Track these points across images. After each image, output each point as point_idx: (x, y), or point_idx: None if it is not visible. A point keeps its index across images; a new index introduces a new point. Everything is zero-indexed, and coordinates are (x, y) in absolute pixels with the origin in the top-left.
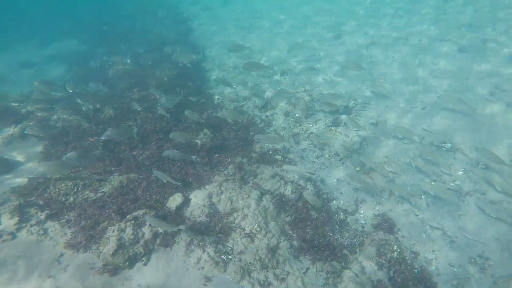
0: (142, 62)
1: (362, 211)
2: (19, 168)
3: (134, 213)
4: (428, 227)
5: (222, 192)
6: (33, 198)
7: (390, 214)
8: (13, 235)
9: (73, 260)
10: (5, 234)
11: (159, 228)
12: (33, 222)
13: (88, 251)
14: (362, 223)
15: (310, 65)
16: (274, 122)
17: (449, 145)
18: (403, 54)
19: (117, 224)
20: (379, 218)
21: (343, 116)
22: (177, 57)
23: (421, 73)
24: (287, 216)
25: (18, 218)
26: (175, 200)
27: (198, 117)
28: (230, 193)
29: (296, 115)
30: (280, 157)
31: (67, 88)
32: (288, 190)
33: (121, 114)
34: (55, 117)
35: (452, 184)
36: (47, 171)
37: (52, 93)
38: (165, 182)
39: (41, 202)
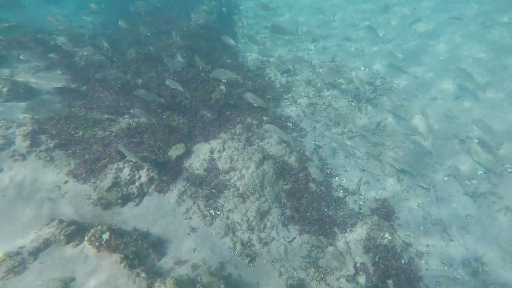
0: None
1: (363, 192)
2: (43, 95)
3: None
4: (429, 221)
5: (224, 150)
6: (47, 127)
7: (391, 201)
8: (23, 157)
9: (72, 189)
10: (16, 154)
11: (128, 156)
12: (42, 148)
13: (87, 183)
14: (360, 205)
15: (347, 34)
16: (293, 89)
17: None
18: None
19: (116, 163)
20: (379, 202)
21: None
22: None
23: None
24: (285, 184)
25: (29, 142)
26: (176, 149)
27: (205, 65)
28: (232, 151)
29: (318, 84)
30: (291, 124)
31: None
32: (292, 159)
33: (144, 59)
34: (80, 53)
35: (467, 182)
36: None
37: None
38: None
39: (53, 132)
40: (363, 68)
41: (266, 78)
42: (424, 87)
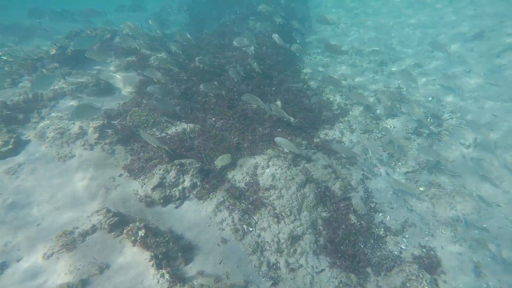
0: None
1: (407, 235)
2: (117, 93)
3: (183, 160)
4: (485, 285)
5: (268, 166)
6: (115, 122)
7: (439, 251)
8: (91, 147)
9: (124, 182)
10: (87, 144)
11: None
12: (107, 141)
13: (137, 179)
14: (401, 248)
15: (419, 60)
16: (351, 112)
17: None
18: None
19: (165, 164)
20: (423, 250)
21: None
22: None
23: None
24: (324, 211)
25: (98, 135)
26: (223, 160)
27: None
28: (275, 169)
29: (378, 111)
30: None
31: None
32: (336, 186)
33: (208, 69)
34: (153, 57)
35: None
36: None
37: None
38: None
39: (119, 127)
40: (430, 99)
41: (325, 98)
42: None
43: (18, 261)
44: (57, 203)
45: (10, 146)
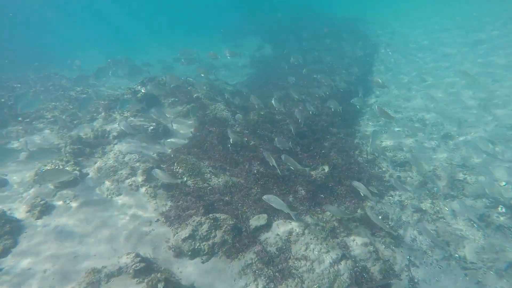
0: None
1: None
2: (172, 138)
3: (217, 214)
4: None
5: (303, 234)
6: (164, 166)
7: None
8: (137, 188)
9: (158, 228)
10: (133, 185)
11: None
12: (152, 185)
13: (171, 227)
14: None
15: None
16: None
17: None
18: None
19: (200, 216)
20: None
21: None
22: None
23: None
24: None
25: (144, 177)
26: (258, 220)
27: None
28: (310, 239)
29: (435, 189)
30: (388, 226)
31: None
32: (375, 268)
33: (263, 122)
34: (212, 106)
35: None
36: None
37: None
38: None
39: (166, 171)
40: (504, 184)
41: (377, 168)
42: None
43: None
44: (96, 237)
45: (71, 178)
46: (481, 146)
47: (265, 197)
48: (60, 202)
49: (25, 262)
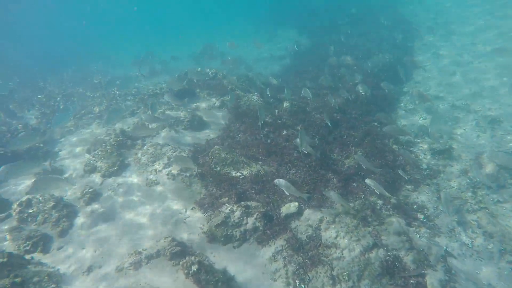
0: None
1: None
2: (206, 129)
3: (249, 202)
4: None
5: (334, 222)
6: (199, 156)
7: None
8: (174, 177)
9: (193, 215)
10: (170, 174)
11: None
12: (188, 174)
13: (205, 214)
14: None
15: None
16: (442, 176)
17: None
18: None
19: (232, 204)
20: None
21: None
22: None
23: None
24: (390, 284)
25: (180, 167)
26: (289, 208)
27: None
28: (341, 226)
29: (478, 179)
30: (423, 216)
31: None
32: (409, 258)
33: (295, 112)
34: (245, 98)
35: None
36: None
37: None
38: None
39: (200, 161)
40: None
41: (412, 155)
42: None
43: (100, 267)
44: (138, 221)
45: (115, 168)
46: None
47: (276, 181)
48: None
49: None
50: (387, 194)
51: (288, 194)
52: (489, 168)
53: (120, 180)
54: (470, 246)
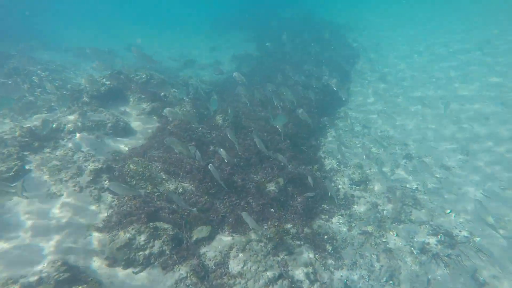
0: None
1: None
2: (131, 136)
3: (159, 223)
4: None
5: (243, 250)
6: (115, 167)
7: None
8: (81, 189)
9: (96, 233)
10: (78, 185)
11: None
12: (98, 186)
13: (109, 234)
14: None
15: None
16: (355, 207)
17: None
18: None
19: (140, 224)
20: None
21: None
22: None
23: None
24: None
25: (91, 178)
26: (201, 232)
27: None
28: (250, 255)
29: (385, 213)
30: (330, 247)
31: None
32: None
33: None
34: (177, 107)
35: None
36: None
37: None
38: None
39: (116, 173)
40: (448, 211)
41: (332, 184)
42: None
43: None
44: (25, 242)
45: (11, 173)
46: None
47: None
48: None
49: None
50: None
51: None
52: (394, 202)
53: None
54: (367, 280)
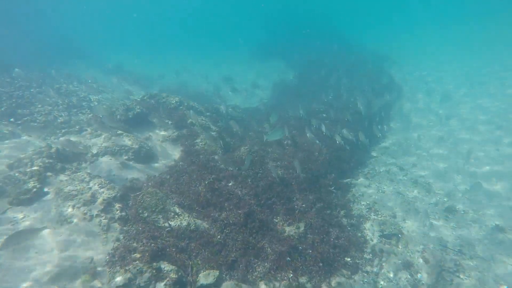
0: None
1: None
2: (153, 163)
3: (163, 264)
4: None
5: None
6: (132, 195)
7: None
8: (91, 218)
9: (99, 266)
10: (88, 214)
11: None
12: (108, 216)
13: (111, 268)
14: None
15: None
16: (384, 265)
17: None
18: None
19: (143, 263)
20: None
21: None
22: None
23: None
24: None
25: (102, 207)
26: (207, 277)
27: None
28: None
29: (419, 275)
30: None
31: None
32: None
33: (251, 161)
34: (202, 136)
35: None
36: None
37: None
38: None
39: (130, 203)
40: (506, 287)
41: (359, 234)
42: None
43: None
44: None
45: (28, 196)
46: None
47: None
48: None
49: None
50: None
51: None
52: (430, 266)
53: (29, 210)
54: None
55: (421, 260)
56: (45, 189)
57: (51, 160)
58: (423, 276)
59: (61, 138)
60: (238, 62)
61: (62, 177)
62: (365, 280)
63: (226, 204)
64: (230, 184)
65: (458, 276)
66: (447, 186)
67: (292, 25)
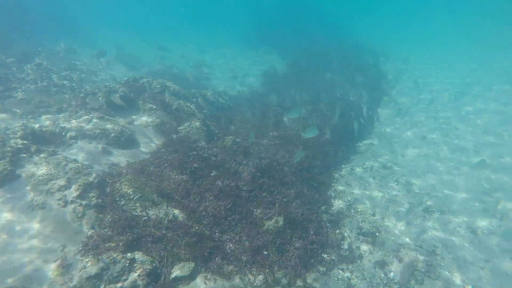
0: None
1: None
2: (134, 149)
3: (138, 254)
4: None
5: None
6: (110, 181)
7: None
8: (65, 204)
9: (72, 256)
10: (63, 199)
11: None
12: (83, 203)
13: (83, 258)
14: None
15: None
16: (358, 262)
17: None
18: None
19: (116, 254)
20: None
21: None
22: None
23: None
24: None
25: (78, 193)
26: (182, 269)
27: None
28: None
29: (392, 274)
30: None
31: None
32: None
33: (234, 152)
34: (187, 123)
35: None
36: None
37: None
38: None
39: (108, 190)
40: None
41: (338, 231)
42: None
43: None
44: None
45: None
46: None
47: None
48: None
49: None
50: None
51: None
52: (404, 265)
53: None
54: None
55: (395, 260)
56: (17, 172)
57: (25, 142)
58: (396, 275)
59: (43, 117)
60: (225, 46)
61: (37, 159)
62: (340, 277)
63: (206, 195)
64: (212, 174)
65: (429, 276)
66: (427, 185)
67: (285, 11)
